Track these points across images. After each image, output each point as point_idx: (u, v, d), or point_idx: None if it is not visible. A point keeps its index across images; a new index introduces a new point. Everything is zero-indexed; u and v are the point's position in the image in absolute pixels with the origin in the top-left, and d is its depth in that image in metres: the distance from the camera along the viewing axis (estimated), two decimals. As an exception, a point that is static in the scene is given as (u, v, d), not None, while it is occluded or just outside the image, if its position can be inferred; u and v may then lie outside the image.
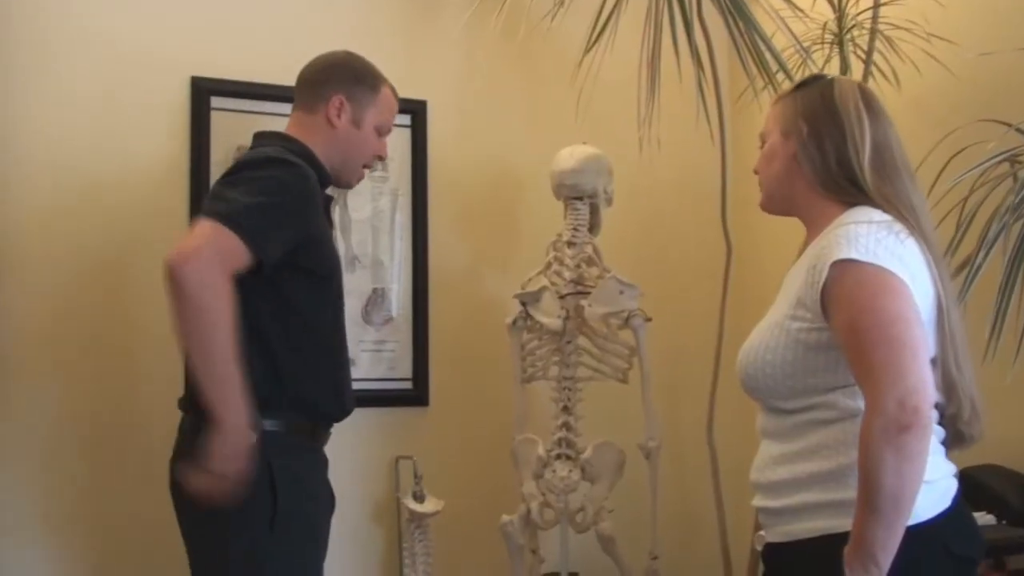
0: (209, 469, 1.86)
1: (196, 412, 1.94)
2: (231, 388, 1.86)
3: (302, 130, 2.19)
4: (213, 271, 1.85)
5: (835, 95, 1.72)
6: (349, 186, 2.33)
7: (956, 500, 1.63)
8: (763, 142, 1.82)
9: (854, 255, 1.56)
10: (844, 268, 1.57)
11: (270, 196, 1.95)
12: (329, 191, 2.23)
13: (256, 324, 1.98)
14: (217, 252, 1.86)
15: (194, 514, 1.98)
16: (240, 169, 2.03)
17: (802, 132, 1.72)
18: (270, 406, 1.97)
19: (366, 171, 2.31)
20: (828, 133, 1.70)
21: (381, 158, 2.32)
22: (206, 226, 1.89)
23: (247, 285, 1.94)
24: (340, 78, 2.21)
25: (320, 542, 2.09)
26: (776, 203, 1.81)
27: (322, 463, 2.13)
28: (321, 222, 2.11)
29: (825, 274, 1.58)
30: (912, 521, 1.49)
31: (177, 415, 2.07)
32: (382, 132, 2.26)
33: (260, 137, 2.20)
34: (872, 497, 1.46)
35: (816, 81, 1.77)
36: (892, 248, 1.58)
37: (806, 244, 1.76)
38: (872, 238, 1.58)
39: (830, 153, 1.69)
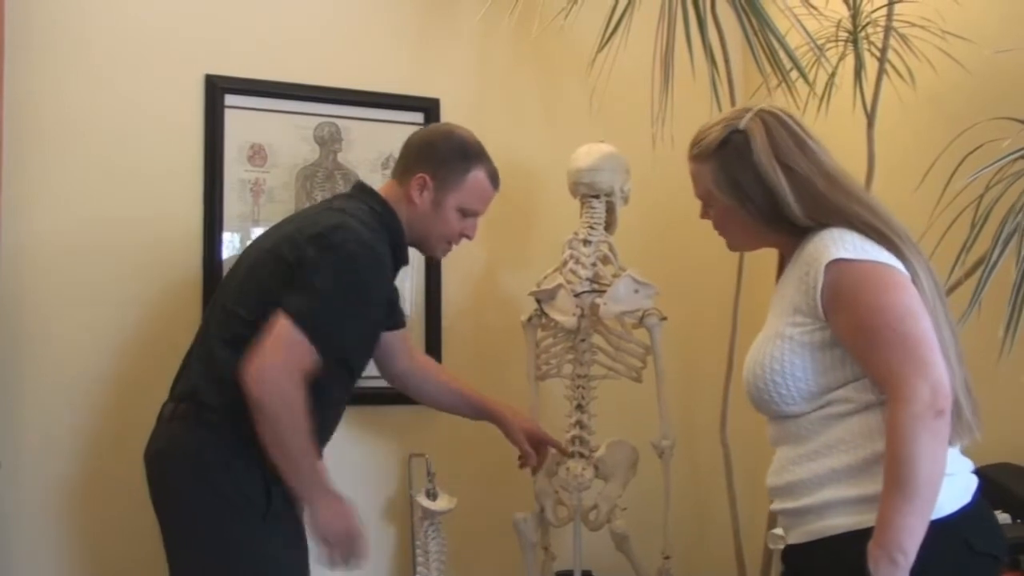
0: (327, 541, 2.03)
1: (192, 403, 2.05)
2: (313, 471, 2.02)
3: (392, 197, 2.26)
4: (291, 380, 1.96)
5: (752, 154, 1.71)
6: (433, 258, 2.37)
7: (976, 496, 1.63)
8: (704, 203, 1.83)
9: (844, 254, 1.59)
10: (839, 268, 1.59)
11: (345, 294, 2.04)
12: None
13: None
14: (292, 358, 1.98)
15: (184, 508, 2.04)
16: (324, 247, 2.05)
17: (750, 198, 1.72)
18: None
19: (453, 246, 2.36)
20: (765, 192, 1.70)
21: (468, 237, 2.36)
22: (284, 329, 1.97)
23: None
24: (429, 157, 2.27)
25: (304, 539, 2.12)
26: (749, 249, 1.89)
27: None
28: (379, 309, 2.18)
29: (821, 277, 1.60)
30: (934, 515, 1.49)
31: None
32: (467, 213, 2.31)
33: (361, 193, 2.26)
34: (907, 485, 1.47)
35: (732, 138, 1.74)
36: (874, 250, 1.62)
37: (782, 263, 1.79)
38: (855, 240, 1.62)
39: (778, 204, 1.70)
